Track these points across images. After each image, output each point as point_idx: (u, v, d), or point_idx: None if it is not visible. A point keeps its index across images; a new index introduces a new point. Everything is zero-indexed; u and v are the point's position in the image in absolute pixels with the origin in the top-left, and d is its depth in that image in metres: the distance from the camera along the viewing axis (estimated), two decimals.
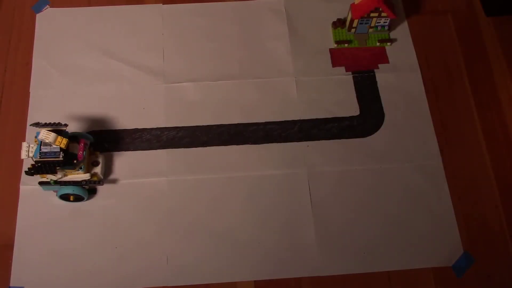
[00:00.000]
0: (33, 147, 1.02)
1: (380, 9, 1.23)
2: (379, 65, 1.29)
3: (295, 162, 1.17)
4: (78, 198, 1.10)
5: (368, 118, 1.23)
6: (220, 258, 1.08)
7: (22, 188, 1.13)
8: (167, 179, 1.15)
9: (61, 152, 1.00)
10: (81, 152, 1.03)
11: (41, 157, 1.00)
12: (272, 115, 1.23)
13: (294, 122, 1.22)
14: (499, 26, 1.34)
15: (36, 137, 1.02)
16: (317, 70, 1.28)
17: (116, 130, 1.20)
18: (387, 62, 1.30)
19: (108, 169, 1.15)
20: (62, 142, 0.99)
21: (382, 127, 1.22)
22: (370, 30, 1.31)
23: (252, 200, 1.14)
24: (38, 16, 1.33)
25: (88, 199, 1.12)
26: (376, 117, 1.23)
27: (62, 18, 1.33)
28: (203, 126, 1.21)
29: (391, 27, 1.32)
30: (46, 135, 0.98)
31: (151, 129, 1.20)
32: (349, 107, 1.24)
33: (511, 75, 1.29)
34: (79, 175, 1.07)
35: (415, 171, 1.17)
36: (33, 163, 1.01)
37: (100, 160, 1.12)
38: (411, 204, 1.14)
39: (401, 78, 1.27)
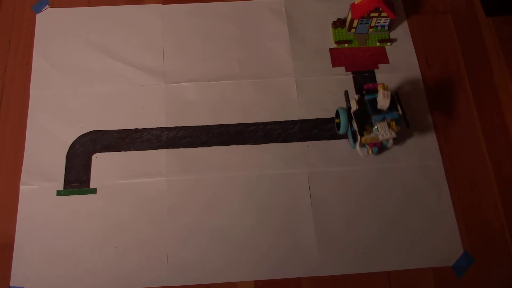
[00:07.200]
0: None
1: (380, 9, 1.23)
2: (379, 65, 1.29)
3: (295, 162, 1.17)
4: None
5: None
6: (220, 258, 1.09)
7: (22, 188, 1.14)
8: (167, 179, 1.15)
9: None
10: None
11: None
12: (272, 115, 1.23)
13: (294, 122, 1.22)
14: (499, 26, 1.34)
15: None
16: (317, 70, 1.28)
17: (116, 130, 1.20)
18: (387, 62, 1.30)
19: (104, 170, 1.16)
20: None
21: None
22: (370, 30, 1.31)
23: (252, 200, 1.14)
24: (38, 16, 1.33)
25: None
26: None
27: (62, 18, 1.33)
28: (203, 126, 1.21)
29: (391, 27, 1.32)
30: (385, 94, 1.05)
31: (151, 129, 1.20)
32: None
33: (511, 75, 1.29)
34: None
35: (415, 171, 1.17)
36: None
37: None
38: (411, 204, 1.14)
39: (401, 78, 1.27)
